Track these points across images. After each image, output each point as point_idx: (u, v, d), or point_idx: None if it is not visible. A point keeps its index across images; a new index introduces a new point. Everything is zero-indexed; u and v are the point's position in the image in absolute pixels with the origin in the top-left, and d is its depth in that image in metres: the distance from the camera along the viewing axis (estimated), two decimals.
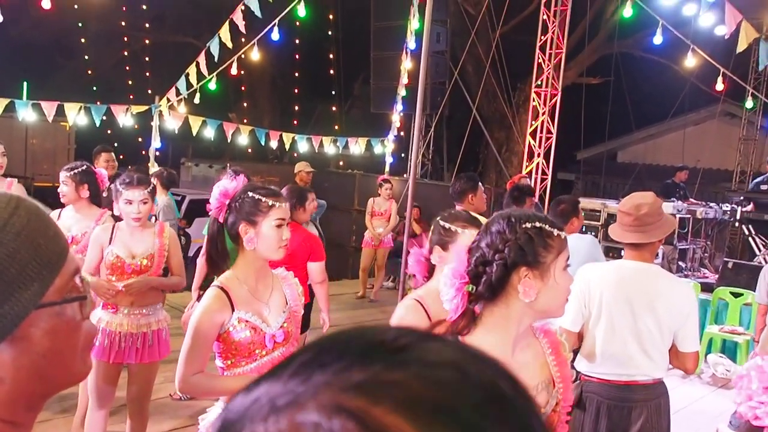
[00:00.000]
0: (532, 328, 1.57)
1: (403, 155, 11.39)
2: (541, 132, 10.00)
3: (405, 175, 10.15)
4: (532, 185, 9.74)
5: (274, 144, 8.59)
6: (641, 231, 2.92)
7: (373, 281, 7.95)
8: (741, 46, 6.04)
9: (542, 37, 9.88)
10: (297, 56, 18.58)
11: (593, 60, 13.98)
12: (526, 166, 10.01)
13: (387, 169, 8.90)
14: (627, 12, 7.59)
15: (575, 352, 3.08)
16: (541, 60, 9.90)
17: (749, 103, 8.30)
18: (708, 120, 14.80)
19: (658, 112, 14.53)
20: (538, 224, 1.46)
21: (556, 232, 1.48)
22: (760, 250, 7.92)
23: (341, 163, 14.96)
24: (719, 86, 7.31)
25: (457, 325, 1.49)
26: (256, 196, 2.16)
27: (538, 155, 9.96)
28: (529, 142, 10.05)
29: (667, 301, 2.79)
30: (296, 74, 19.17)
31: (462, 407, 0.37)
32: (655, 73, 11.61)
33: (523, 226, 1.45)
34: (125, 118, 8.21)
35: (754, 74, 10.75)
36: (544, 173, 9.78)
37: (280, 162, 14.30)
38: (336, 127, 16.17)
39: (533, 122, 10.06)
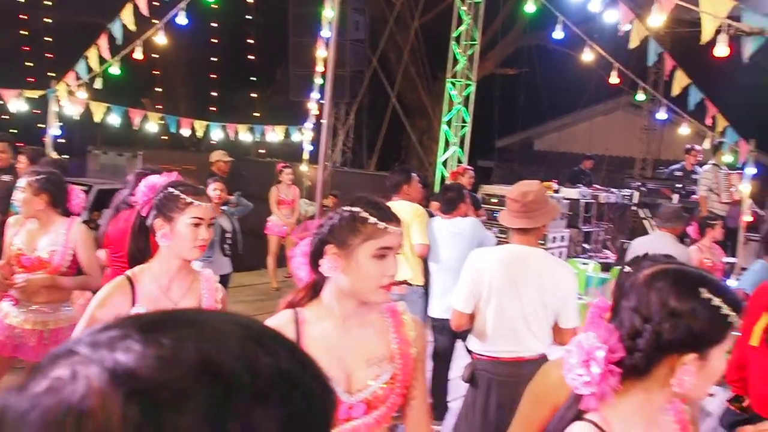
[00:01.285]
0: (376, 307, 1.66)
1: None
2: (457, 121, 10.26)
3: (327, 164, 10.20)
4: (448, 174, 10.02)
5: (186, 132, 8.43)
6: (527, 217, 3.11)
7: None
8: (633, 43, 6.43)
9: (457, 29, 10.09)
10: (214, 40, 18.09)
11: (510, 51, 14.41)
12: (443, 155, 10.25)
13: (306, 156, 8.91)
14: (529, 8, 7.88)
15: (467, 333, 3.29)
16: (456, 51, 10.13)
17: (640, 96, 8.82)
18: (615, 111, 15.60)
19: (571, 103, 15.15)
20: (355, 210, 1.56)
21: (372, 220, 1.54)
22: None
23: (262, 151, 14.82)
24: (614, 80, 7.75)
25: (296, 297, 1.64)
26: (175, 192, 2.12)
27: (455, 144, 10.22)
28: (445, 131, 10.29)
29: (550, 282, 3.01)
30: (214, 59, 18.63)
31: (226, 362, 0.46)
32: (567, 65, 12.10)
33: (344, 209, 1.58)
34: (18, 103, 7.86)
35: (647, 69, 11.47)
36: (459, 161, 10.06)
37: (197, 150, 14.02)
38: (258, 114, 15.97)
39: (448, 112, 10.30)
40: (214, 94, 18.59)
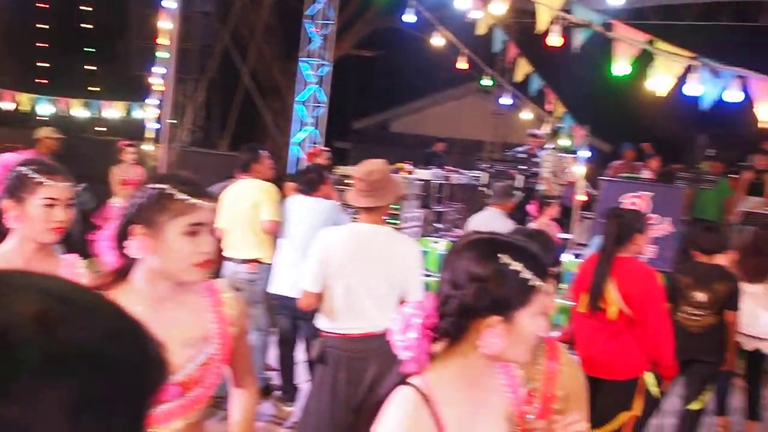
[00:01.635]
0: (193, 286, 1.60)
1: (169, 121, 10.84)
2: (312, 102, 10.14)
3: (174, 144, 9.67)
4: (304, 155, 9.89)
5: (8, 105, 7.59)
6: (373, 195, 3.14)
7: None
8: (480, 30, 6.68)
9: (312, 7, 9.93)
10: (42, 5, 16.22)
11: (366, 33, 14.43)
12: (298, 135, 10.10)
13: (150, 135, 8.36)
14: None
15: (315, 312, 3.25)
16: (310, 30, 9.97)
17: (487, 81, 9.22)
18: (466, 95, 16.24)
19: (426, 86, 15.54)
20: (162, 186, 1.49)
21: (180, 196, 1.48)
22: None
23: (101, 129, 13.73)
24: (462, 65, 8.02)
25: (102, 282, 1.56)
26: (24, 171, 1.97)
27: (310, 125, 10.10)
28: (300, 112, 10.13)
29: (396, 258, 3.08)
30: (42, 26, 16.66)
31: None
32: (421, 49, 12.37)
33: (151, 186, 1.51)
34: None
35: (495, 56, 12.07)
36: (315, 142, 9.96)
37: (25, 126, 12.71)
38: (96, 89, 14.72)
39: (303, 91, 10.15)
40: (44, 64, 16.75)
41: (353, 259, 3.08)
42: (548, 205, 5.98)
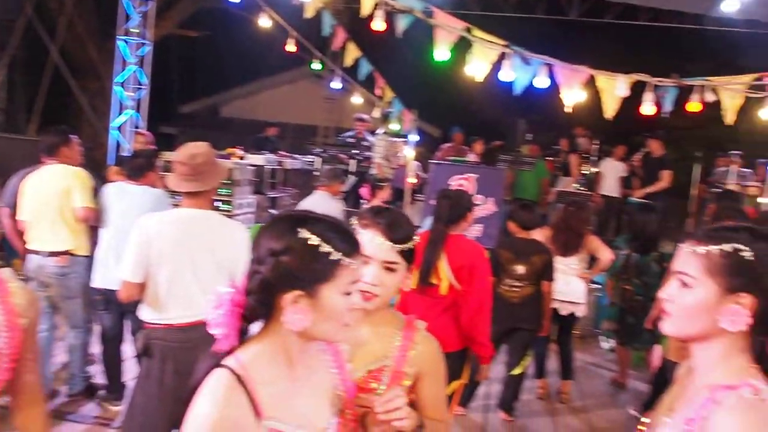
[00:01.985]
0: None
1: None
2: (133, 83, 9.46)
3: None
4: (126, 141, 9.23)
5: None
6: (197, 180, 2.99)
7: None
8: (308, 13, 6.60)
9: None
10: None
11: (190, 12, 13.72)
12: (117, 119, 9.39)
13: None
14: None
15: (137, 303, 3.03)
16: (128, 6, 9.27)
17: (316, 65, 9.18)
18: (299, 80, 16.10)
19: (257, 70, 15.15)
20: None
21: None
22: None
23: None
24: (290, 48, 7.91)
25: None
26: None
27: (130, 108, 9.43)
28: (119, 94, 9.42)
29: (223, 242, 2.96)
30: None
31: None
32: (249, 30, 11.98)
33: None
34: None
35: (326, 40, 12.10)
36: (137, 126, 9.31)
37: None
38: None
39: (122, 72, 9.44)
40: None
41: (177, 246, 2.93)
42: (380, 188, 6.10)
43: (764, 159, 9.10)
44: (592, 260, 5.37)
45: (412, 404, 1.70)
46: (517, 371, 4.69)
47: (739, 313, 1.24)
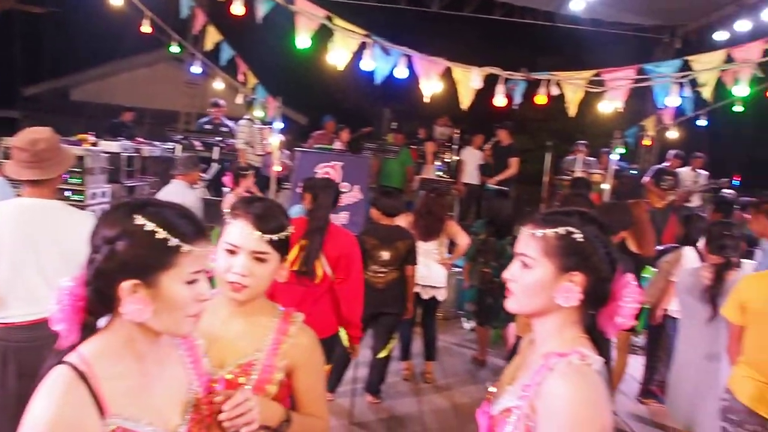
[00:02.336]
0: None
1: None
2: None
3: None
4: None
5: None
6: (39, 167, 2.78)
7: None
8: None
9: None
10: None
11: None
12: None
13: None
14: None
15: None
16: None
17: (175, 48, 8.77)
18: (158, 63, 15.30)
19: (111, 51, 14.19)
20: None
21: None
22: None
23: None
24: (146, 29, 7.50)
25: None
26: None
27: None
28: None
29: (71, 233, 2.77)
30: None
31: None
32: (101, 9, 11.17)
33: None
34: None
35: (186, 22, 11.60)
36: None
37: None
38: None
39: None
40: None
41: (17, 239, 2.71)
42: (243, 176, 5.98)
43: (607, 148, 9.89)
44: (452, 245, 5.60)
45: (290, 398, 1.70)
46: (382, 354, 4.81)
47: (572, 290, 1.35)
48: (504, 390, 1.47)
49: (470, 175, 10.33)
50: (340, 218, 7.94)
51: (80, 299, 1.24)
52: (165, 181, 9.18)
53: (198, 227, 1.30)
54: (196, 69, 8.93)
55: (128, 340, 1.28)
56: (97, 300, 1.24)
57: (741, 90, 5.39)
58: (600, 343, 1.39)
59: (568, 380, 1.27)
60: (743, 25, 10.10)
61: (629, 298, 1.36)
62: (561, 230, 1.37)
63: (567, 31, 13.58)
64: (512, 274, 1.44)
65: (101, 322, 1.29)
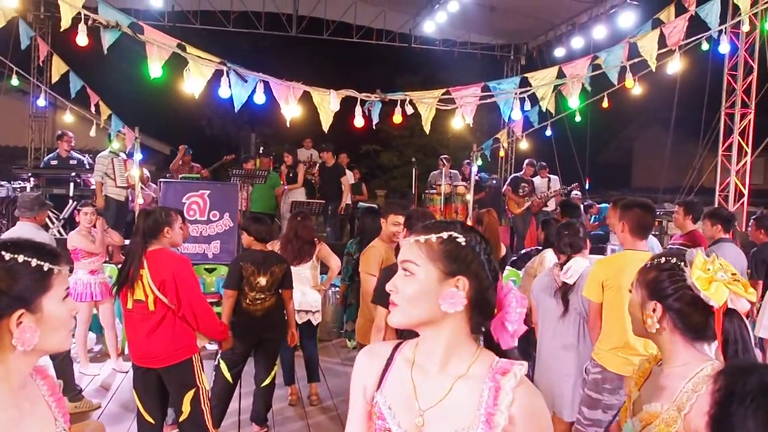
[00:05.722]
0: None
1: None
2: None
3: None
4: None
5: None
6: None
7: None
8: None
9: None
10: None
11: None
12: None
13: None
14: None
15: None
16: None
17: (15, 81, 8.22)
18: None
19: None
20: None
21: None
22: (53, 223, 8.15)
23: None
24: None
25: None
26: None
27: None
28: None
29: None
30: None
31: None
32: None
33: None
34: None
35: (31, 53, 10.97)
36: None
37: None
38: None
39: None
40: None
41: None
42: (80, 212, 5.81)
43: (468, 160, 10.41)
44: (325, 267, 5.65)
45: None
46: (266, 383, 4.74)
47: (456, 295, 1.35)
48: (434, 418, 1.38)
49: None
50: (211, 247, 7.77)
51: None
52: (13, 223, 8.56)
53: (55, 249, 1.44)
54: (41, 102, 8.40)
55: (7, 374, 1.34)
56: None
57: (573, 101, 5.97)
58: (501, 353, 1.40)
59: (534, 391, 1.35)
60: (577, 42, 11.12)
61: (515, 303, 1.39)
62: (444, 234, 1.40)
63: (422, 51, 14.21)
64: (395, 285, 1.41)
65: None
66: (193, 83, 5.27)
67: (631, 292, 1.81)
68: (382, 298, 3.31)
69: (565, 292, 3.80)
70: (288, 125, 5.84)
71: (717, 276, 1.61)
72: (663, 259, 1.73)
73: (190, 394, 3.67)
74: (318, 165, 10.14)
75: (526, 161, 10.29)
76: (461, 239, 1.39)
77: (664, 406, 1.68)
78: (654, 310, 1.70)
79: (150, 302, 3.55)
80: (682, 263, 1.68)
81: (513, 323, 1.37)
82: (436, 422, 1.35)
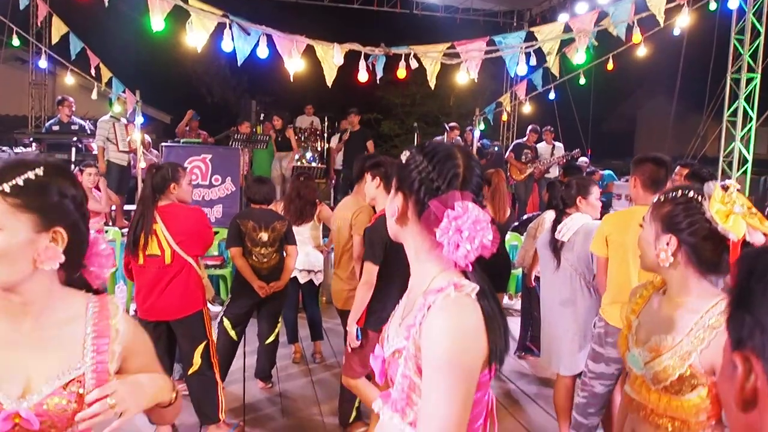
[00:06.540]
0: None
1: None
2: None
3: None
4: None
5: None
6: None
7: None
8: None
9: None
10: None
11: None
12: None
13: None
14: None
15: None
16: None
17: (16, 42, 8.08)
18: None
19: None
20: None
21: None
22: None
23: None
24: None
25: None
26: None
27: None
28: None
29: None
30: None
31: None
32: None
33: None
34: None
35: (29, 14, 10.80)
36: None
37: None
38: None
39: None
40: None
41: None
42: (83, 172, 5.82)
43: (470, 126, 10.35)
44: (327, 229, 5.66)
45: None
46: (270, 340, 4.80)
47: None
48: (393, 332, 1.45)
49: (341, 161, 10.45)
50: (214, 211, 7.78)
51: None
52: None
53: None
54: (43, 63, 8.32)
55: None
56: None
57: (579, 57, 5.91)
58: None
59: (445, 312, 1.26)
60: (582, 7, 10.98)
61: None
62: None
63: (423, 18, 14.04)
64: None
65: None
66: (195, 36, 5.22)
67: (642, 227, 1.81)
68: (371, 254, 3.39)
69: (555, 247, 3.82)
70: (291, 79, 5.79)
71: (734, 209, 1.61)
72: (678, 193, 1.72)
73: (201, 347, 3.74)
74: (343, 132, 9.99)
75: (530, 127, 10.23)
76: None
77: (675, 339, 1.68)
78: (668, 244, 1.70)
79: (167, 256, 3.60)
80: (700, 196, 1.68)
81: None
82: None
